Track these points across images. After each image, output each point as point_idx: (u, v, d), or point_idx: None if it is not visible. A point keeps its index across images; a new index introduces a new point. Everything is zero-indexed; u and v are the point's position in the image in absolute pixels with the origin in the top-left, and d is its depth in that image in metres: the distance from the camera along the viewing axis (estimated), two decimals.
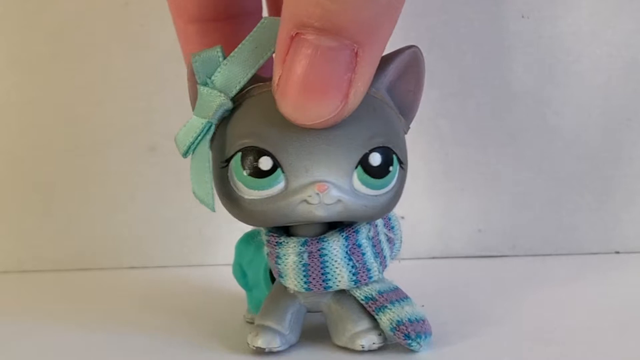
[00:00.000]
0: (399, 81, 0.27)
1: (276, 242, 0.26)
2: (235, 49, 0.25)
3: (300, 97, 0.23)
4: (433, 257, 0.41)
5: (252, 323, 0.29)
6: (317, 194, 0.24)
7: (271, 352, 0.26)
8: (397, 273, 0.29)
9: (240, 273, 0.31)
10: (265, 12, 0.31)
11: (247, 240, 0.30)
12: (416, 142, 0.36)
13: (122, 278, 0.40)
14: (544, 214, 0.41)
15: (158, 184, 0.40)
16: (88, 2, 0.40)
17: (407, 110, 0.27)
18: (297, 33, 0.23)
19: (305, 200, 0.24)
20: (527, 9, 0.39)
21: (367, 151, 0.25)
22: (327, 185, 0.24)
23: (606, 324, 0.29)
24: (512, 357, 0.26)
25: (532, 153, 0.40)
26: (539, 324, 0.29)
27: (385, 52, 0.26)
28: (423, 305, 0.27)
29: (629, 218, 0.40)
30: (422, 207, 0.41)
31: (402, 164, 0.26)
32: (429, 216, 0.41)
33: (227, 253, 0.32)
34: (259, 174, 0.25)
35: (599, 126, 0.40)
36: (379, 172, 0.25)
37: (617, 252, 0.40)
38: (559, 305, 0.32)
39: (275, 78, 0.24)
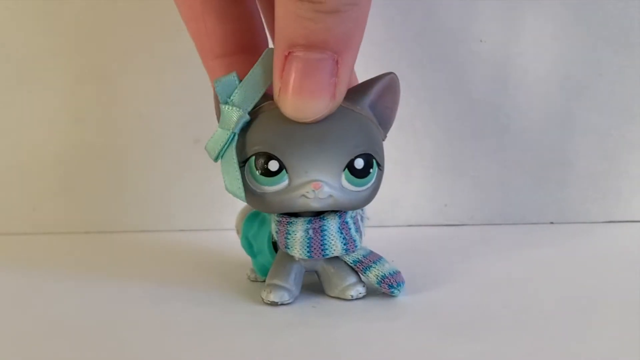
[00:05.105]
0: (379, 100, 0.28)
1: (287, 222, 0.27)
2: (247, 74, 0.26)
3: (298, 101, 0.24)
4: (410, 225, 0.43)
5: (254, 281, 0.31)
6: (313, 190, 0.25)
7: (282, 304, 0.28)
8: (383, 236, 0.32)
9: (247, 244, 0.31)
10: (270, 43, 0.30)
11: (252, 218, 0.31)
12: (398, 137, 0.42)
13: (174, 239, 0.41)
14: (496, 193, 0.43)
15: (199, 167, 0.42)
16: (151, 16, 0.41)
17: (385, 123, 0.28)
18: (289, 52, 0.24)
19: (304, 195, 0.26)
20: (484, 35, 0.41)
21: (353, 157, 0.26)
22: (321, 184, 0.25)
23: (540, 276, 0.31)
24: (465, 301, 0.28)
25: (487, 146, 0.42)
26: (488, 277, 0.31)
27: (369, 77, 0.28)
28: (393, 260, 0.29)
29: (561, 196, 0.43)
30: (402, 187, 0.43)
31: (380, 166, 0.27)
32: (407, 194, 0.43)
33: None
34: (268, 173, 0.26)
35: (540, 126, 0.42)
36: (361, 173, 0.26)
37: (552, 223, 0.43)
38: (505, 263, 0.34)
39: (276, 90, 0.25)
